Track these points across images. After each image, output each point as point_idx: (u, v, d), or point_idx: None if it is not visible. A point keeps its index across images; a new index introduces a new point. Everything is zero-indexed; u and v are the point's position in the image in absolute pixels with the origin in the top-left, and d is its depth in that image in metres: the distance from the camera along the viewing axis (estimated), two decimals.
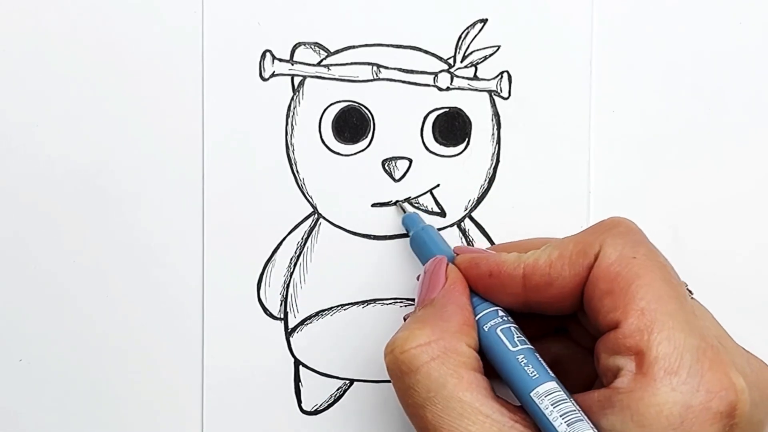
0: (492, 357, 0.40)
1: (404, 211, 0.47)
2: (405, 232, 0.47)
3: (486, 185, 0.48)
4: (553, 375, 0.39)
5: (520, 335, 0.40)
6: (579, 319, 0.42)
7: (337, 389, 0.48)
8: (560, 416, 0.37)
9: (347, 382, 0.48)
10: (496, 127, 0.48)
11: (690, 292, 0.41)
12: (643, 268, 0.38)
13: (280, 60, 0.47)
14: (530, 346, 0.40)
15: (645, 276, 0.38)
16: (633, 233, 0.40)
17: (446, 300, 0.41)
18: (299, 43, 0.47)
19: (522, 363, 0.39)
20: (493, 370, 0.40)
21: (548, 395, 0.38)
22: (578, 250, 0.39)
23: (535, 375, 0.38)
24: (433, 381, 0.38)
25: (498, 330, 0.40)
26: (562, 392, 0.38)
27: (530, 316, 0.42)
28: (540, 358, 0.39)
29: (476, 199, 0.48)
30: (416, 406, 0.38)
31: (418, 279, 0.43)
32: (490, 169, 0.48)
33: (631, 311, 0.37)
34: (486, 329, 0.40)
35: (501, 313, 0.41)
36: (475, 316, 0.41)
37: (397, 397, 0.40)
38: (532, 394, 0.38)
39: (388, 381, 0.47)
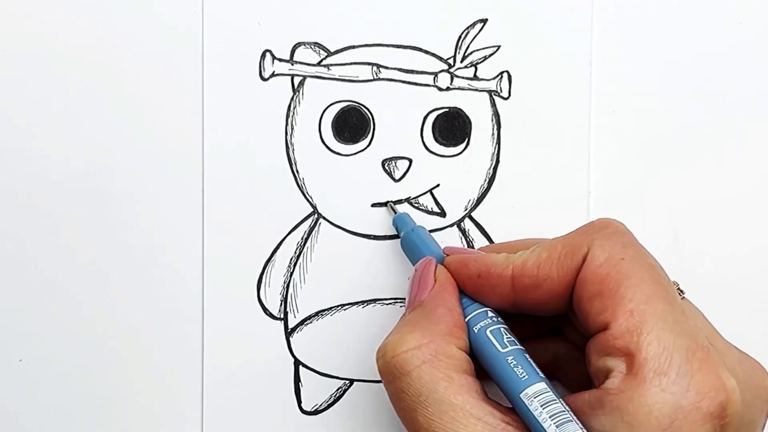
0: (482, 358, 0.40)
1: (395, 212, 0.47)
2: None
3: (486, 185, 0.48)
4: (542, 376, 0.39)
5: (509, 336, 0.40)
6: (570, 320, 0.42)
7: (337, 389, 0.48)
8: (549, 417, 0.37)
9: (347, 382, 0.48)
10: (496, 127, 0.48)
11: (681, 292, 0.41)
12: (631, 269, 0.38)
13: (280, 60, 0.47)
14: (520, 347, 0.40)
15: (633, 277, 0.38)
16: (621, 235, 0.40)
17: (436, 302, 0.41)
18: (299, 43, 0.47)
19: (511, 364, 0.39)
20: (485, 371, 0.40)
21: (537, 396, 0.38)
22: (566, 252, 0.39)
23: (524, 376, 0.38)
24: (424, 384, 0.38)
25: (488, 331, 0.40)
26: (551, 393, 0.38)
27: (525, 316, 0.42)
28: (530, 359, 0.39)
29: (476, 199, 0.48)
30: (408, 409, 0.38)
31: (409, 280, 0.43)
32: (490, 169, 0.48)
33: (620, 313, 0.37)
34: (476, 330, 0.40)
35: (491, 314, 0.41)
36: (465, 317, 0.41)
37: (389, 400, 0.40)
38: (521, 396, 0.38)
39: None
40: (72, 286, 0.47)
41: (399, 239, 0.47)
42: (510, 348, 0.39)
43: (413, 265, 0.44)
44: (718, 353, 0.38)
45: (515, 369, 0.39)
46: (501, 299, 0.41)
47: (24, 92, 0.47)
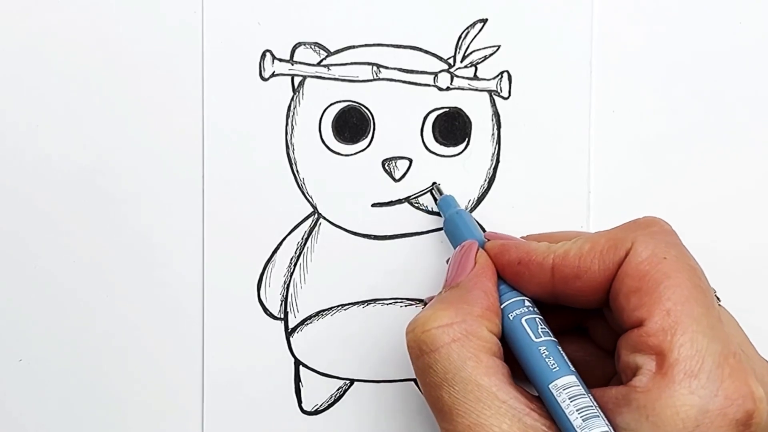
0: (514, 346, 0.40)
1: (440, 194, 0.47)
2: (405, 232, 0.47)
3: (486, 185, 0.48)
4: (573, 369, 0.39)
5: (544, 327, 0.40)
6: (604, 315, 0.42)
7: (337, 389, 0.48)
8: (576, 410, 0.37)
9: (347, 382, 0.48)
10: (496, 127, 0.48)
11: (718, 299, 0.41)
12: (672, 269, 0.38)
13: (280, 60, 0.47)
14: (553, 339, 0.40)
15: (674, 277, 0.38)
16: (666, 234, 0.40)
17: (472, 284, 0.41)
18: (299, 43, 0.47)
19: (543, 354, 0.39)
20: (513, 359, 0.40)
21: (566, 389, 0.38)
22: (609, 246, 0.39)
23: (555, 367, 0.38)
24: (452, 362, 0.38)
25: (523, 320, 0.40)
26: (580, 387, 0.38)
27: (553, 310, 0.42)
28: (562, 352, 0.39)
29: (476, 199, 0.48)
30: (434, 386, 0.38)
31: (447, 262, 0.43)
32: (490, 169, 0.48)
33: (656, 311, 0.37)
34: (511, 318, 0.40)
35: (527, 304, 0.41)
36: (501, 304, 0.41)
37: (415, 376, 0.40)
38: (550, 386, 0.38)
39: (389, 381, 0.47)
40: (72, 285, 0.47)
41: (399, 239, 0.47)
42: (544, 338, 0.39)
43: (454, 248, 0.44)
44: (749, 362, 0.38)
45: (547, 359, 0.39)
46: (539, 288, 0.41)
47: (24, 92, 0.47)
